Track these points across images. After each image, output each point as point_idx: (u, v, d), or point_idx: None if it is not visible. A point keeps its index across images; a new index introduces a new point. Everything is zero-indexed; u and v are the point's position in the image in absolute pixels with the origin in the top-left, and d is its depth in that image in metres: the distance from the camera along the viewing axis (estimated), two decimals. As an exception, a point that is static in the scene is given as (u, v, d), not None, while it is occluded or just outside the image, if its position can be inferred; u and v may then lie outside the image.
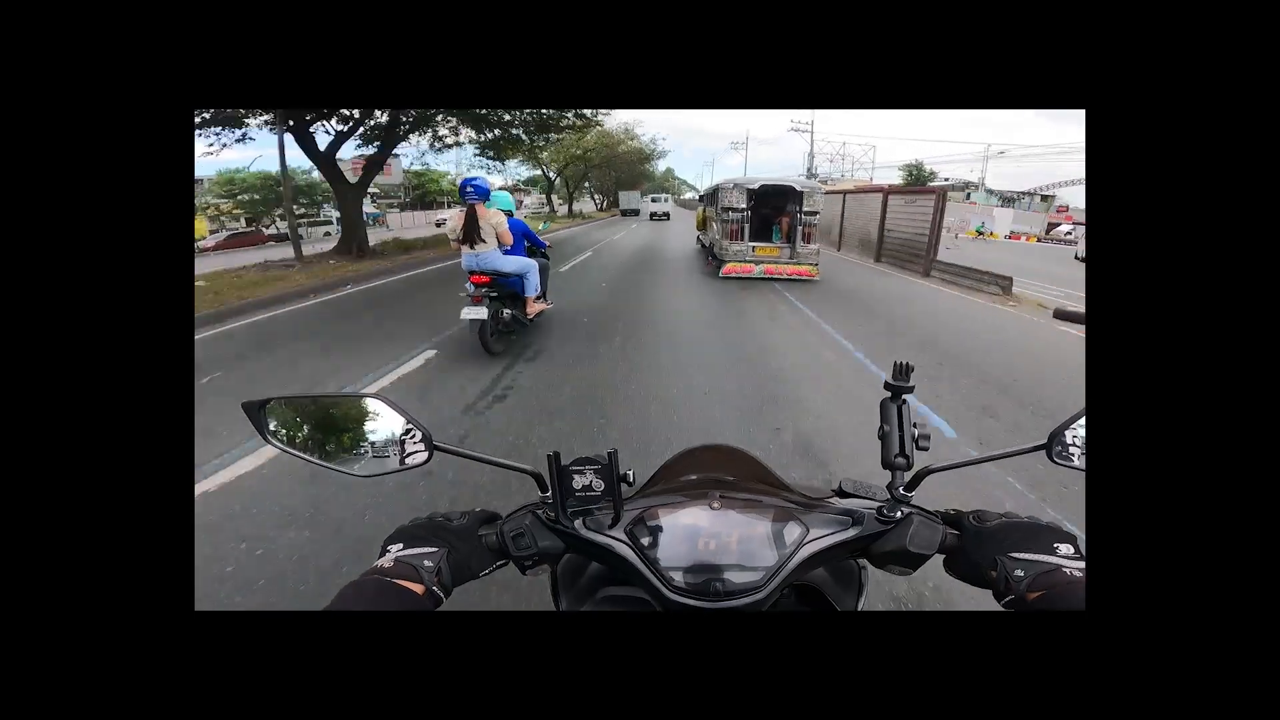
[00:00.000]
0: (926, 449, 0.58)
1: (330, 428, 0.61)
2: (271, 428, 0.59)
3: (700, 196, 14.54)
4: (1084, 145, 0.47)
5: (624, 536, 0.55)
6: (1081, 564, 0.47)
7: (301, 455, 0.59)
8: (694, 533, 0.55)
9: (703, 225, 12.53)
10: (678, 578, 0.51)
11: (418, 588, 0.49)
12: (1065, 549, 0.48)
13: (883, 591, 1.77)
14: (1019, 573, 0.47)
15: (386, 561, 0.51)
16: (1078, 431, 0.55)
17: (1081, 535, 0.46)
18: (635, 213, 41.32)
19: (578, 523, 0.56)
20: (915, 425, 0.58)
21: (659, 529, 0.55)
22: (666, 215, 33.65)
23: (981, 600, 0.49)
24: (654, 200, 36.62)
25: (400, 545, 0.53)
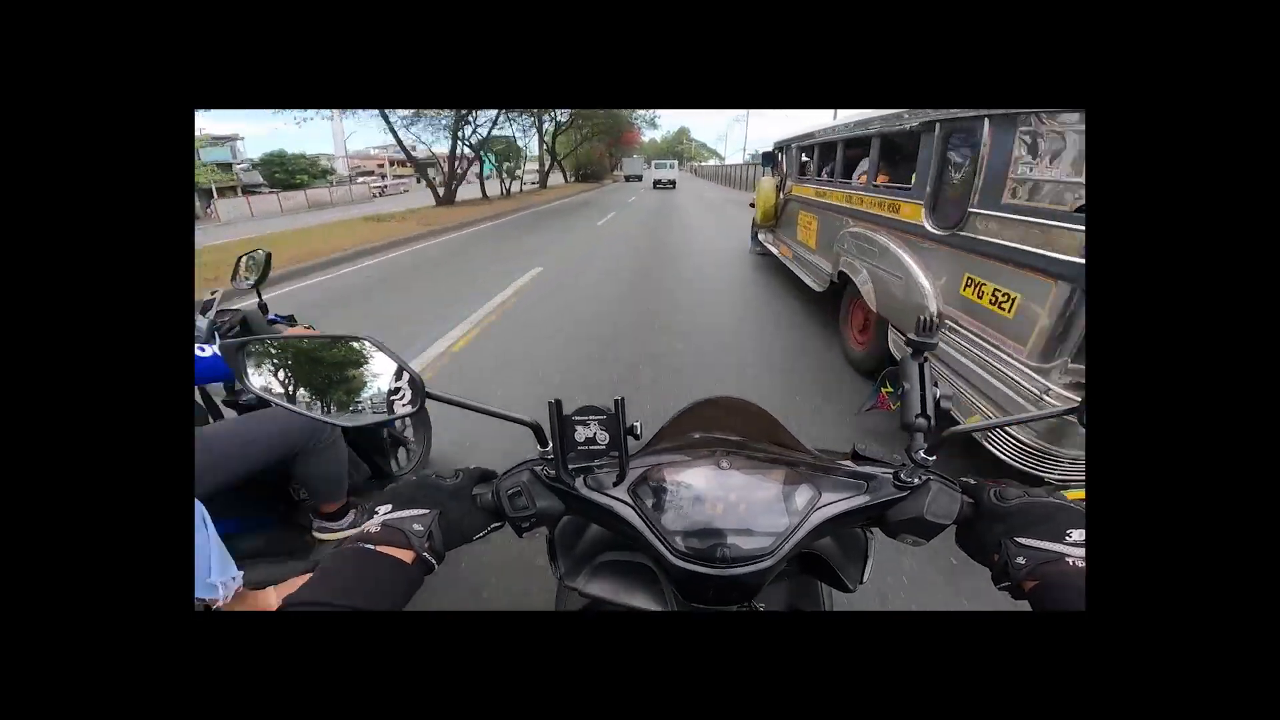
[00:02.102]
0: (949, 410, 0.55)
1: (315, 371, 0.56)
2: (252, 371, 0.55)
3: (778, 151, 5.95)
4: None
5: (627, 497, 0.52)
6: None
7: (282, 402, 0.54)
8: (701, 494, 0.52)
9: (775, 216, 5.78)
10: (683, 542, 0.49)
11: (407, 555, 0.47)
12: (1078, 534, 0.46)
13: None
14: (1020, 560, 0.46)
15: (373, 526, 0.49)
16: None
17: None
18: (638, 178, 39.79)
19: (579, 481, 0.53)
20: (937, 385, 0.55)
21: (664, 490, 0.52)
22: (672, 183, 30.47)
23: (985, 587, 0.47)
24: (657, 166, 33.06)
25: (389, 507, 0.51)
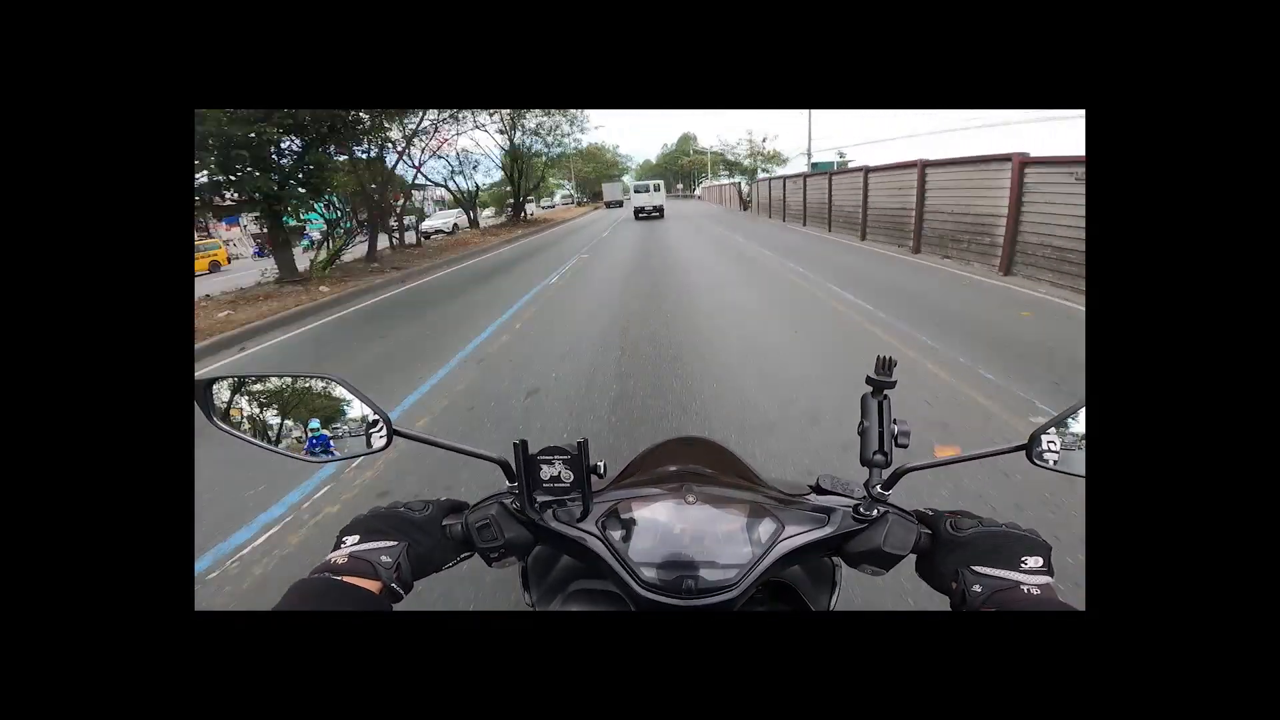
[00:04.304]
0: (906, 446, 0.56)
1: (283, 410, 0.58)
2: (219, 410, 0.57)
3: None
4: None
5: (595, 530, 0.53)
6: (1044, 579, 0.47)
7: (251, 440, 0.57)
8: (667, 528, 0.54)
9: None
10: (650, 574, 0.50)
11: (373, 585, 0.48)
12: (1032, 562, 0.48)
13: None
14: (977, 588, 0.47)
15: (340, 557, 0.49)
16: (1055, 435, 0.53)
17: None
18: (619, 204, 34.77)
19: (547, 514, 0.54)
20: (895, 422, 0.57)
21: (631, 523, 0.54)
22: (659, 211, 23.02)
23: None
24: (638, 190, 25.57)
25: (356, 538, 0.51)
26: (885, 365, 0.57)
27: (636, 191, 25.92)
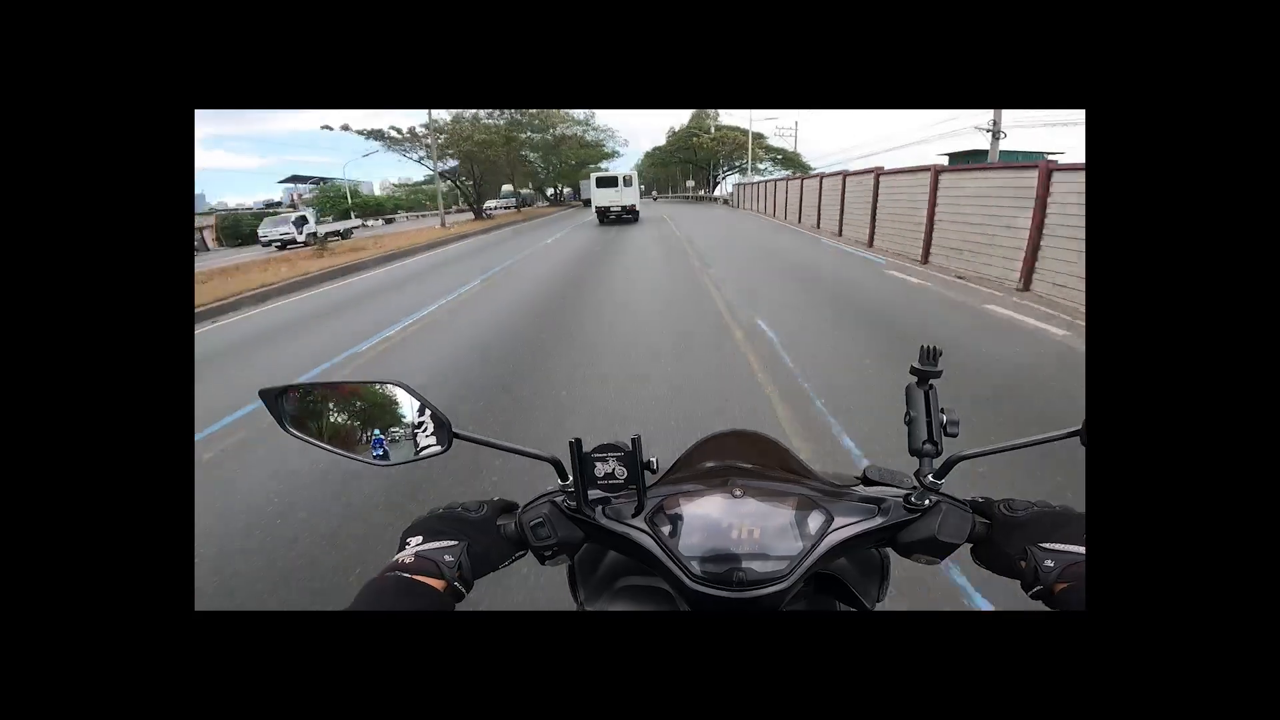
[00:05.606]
0: (956, 435, 0.56)
1: (349, 415, 0.61)
2: (290, 416, 0.59)
3: None
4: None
5: (644, 525, 0.54)
6: None
7: (319, 444, 0.59)
8: (715, 521, 0.54)
9: None
10: (699, 567, 0.50)
11: (439, 584, 0.49)
12: None
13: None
14: (1049, 563, 0.47)
15: (407, 556, 0.51)
16: None
17: None
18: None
19: (597, 511, 0.56)
20: (943, 411, 0.57)
21: (679, 518, 0.55)
22: (633, 213, 17.94)
23: (1008, 592, 0.47)
24: (602, 184, 18.75)
25: (420, 539, 0.53)
26: (930, 355, 0.57)
27: (599, 185, 18.48)
